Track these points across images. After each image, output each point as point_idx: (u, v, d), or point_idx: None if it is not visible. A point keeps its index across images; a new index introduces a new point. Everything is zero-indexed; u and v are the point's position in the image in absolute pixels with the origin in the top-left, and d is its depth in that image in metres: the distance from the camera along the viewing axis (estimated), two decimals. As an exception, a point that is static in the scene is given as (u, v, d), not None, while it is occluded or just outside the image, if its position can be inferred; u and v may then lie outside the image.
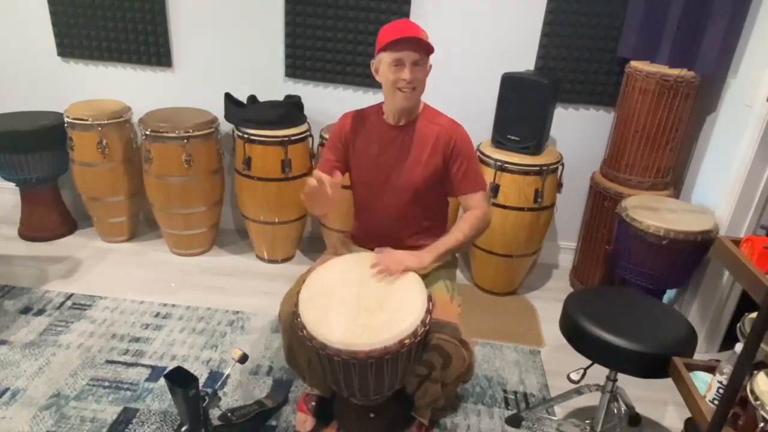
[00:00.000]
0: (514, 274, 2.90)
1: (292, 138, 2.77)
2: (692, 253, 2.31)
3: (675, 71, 2.46)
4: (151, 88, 3.08)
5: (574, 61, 2.79)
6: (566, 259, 3.22)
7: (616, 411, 1.87)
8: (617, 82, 2.75)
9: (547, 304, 2.84)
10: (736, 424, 1.42)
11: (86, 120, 2.82)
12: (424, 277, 1.78)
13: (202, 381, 2.16)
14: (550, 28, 2.74)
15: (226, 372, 1.96)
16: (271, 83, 3.00)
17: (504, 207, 2.66)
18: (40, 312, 2.50)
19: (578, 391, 2.02)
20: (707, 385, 1.50)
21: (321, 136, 2.86)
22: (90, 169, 2.92)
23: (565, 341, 1.76)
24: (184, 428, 1.62)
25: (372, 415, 1.86)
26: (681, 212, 2.40)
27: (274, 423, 2.01)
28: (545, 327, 2.66)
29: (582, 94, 2.86)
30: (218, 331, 2.47)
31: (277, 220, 2.94)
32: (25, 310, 2.50)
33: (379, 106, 1.90)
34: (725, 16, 2.35)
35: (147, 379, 2.16)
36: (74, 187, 3.06)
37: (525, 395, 2.23)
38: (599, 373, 1.80)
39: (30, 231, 3.11)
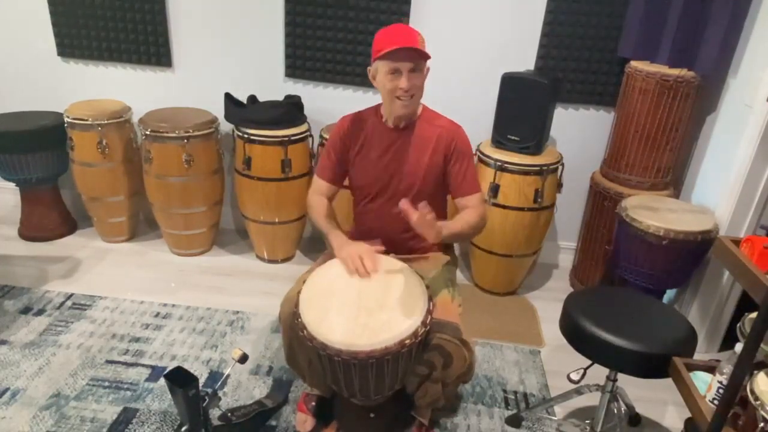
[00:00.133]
0: (514, 274, 2.90)
1: (292, 138, 2.77)
2: (692, 253, 2.31)
3: (675, 71, 2.46)
4: (151, 88, 3.08)
5: (574, 61, 2.79)
6: (566, 259, 3.23)
7: (616, 411, 1.87)
8: (617, 82, 2.75)
9: (547, 304, 2.84)
10: (736, 424, 1.42)
11: (86, 120, 2.82)
12: (424, 277, 1.78)
13: (202, 381, 2.16)
14: (550, 28, 2.74)
15: (226, 372, 1.96)
16: (271, 83, 3.00)
17: (504, 207, 2.66)
18: (40, 312, 2.50)
19: (578, 391, 2.02)
20: (707, 385, 1.50)
21: (321, 136, 2.86)
22: (90, 169, 2.92)
23: (565, 341, 1.76)
24: (184, 428, 1.62)
25: (372, 415, 1.86)
26: (681, 212, 2.40)
27: (274, 423, 2.01)
28: (545, 327, 2.66)
29: (582, 94, 2.86)
30: (218, 331, 2.47)
31: (277, 220, 2.94)
32: (25, 310, 2.50)
33: (377, 108, 1.90)
34: (725, 16, 2.35)
35: (147, 379, 2.16)
36: (74, 187, 3.06)
37: (525, 395, 2.23)
38: (599, 373, 1.80)
39: (30, 231, 3.11)
